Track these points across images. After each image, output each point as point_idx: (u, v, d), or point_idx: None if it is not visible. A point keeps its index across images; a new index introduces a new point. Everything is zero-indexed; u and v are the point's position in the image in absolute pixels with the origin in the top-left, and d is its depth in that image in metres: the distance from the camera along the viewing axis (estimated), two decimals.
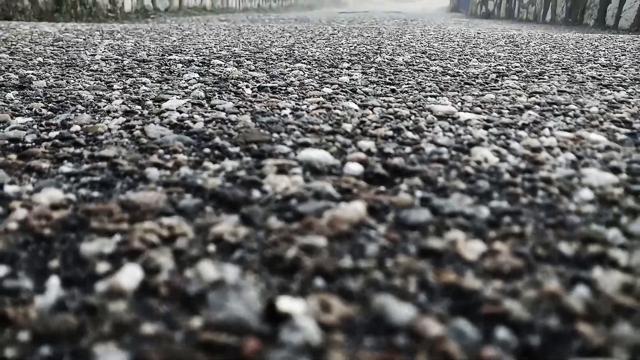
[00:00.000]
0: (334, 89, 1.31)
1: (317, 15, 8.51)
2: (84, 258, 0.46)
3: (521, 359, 0.34)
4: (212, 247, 0.48)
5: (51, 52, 2.00)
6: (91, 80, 1.41)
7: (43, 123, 0.93)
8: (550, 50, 2.45)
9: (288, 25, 4.52)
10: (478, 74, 1.61)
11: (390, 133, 0.88)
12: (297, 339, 0.35)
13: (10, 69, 1.55)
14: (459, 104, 1.15)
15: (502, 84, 1.43)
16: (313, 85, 1.37)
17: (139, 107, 1.07)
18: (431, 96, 1.24)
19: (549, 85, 1.41)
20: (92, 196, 0.60)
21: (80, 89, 1.26)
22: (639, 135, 0.87)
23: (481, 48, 2.49)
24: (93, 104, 1.10)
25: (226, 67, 1.69)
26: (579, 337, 0.36)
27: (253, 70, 1.63)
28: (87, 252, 0.47)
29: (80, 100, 1.13)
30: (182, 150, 0.77)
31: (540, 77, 1.58)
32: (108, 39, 2.64)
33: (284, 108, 1.07)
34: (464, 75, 1.58)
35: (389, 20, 6.76)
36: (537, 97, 1.23)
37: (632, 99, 1.23)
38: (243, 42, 2.65)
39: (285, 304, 0.39)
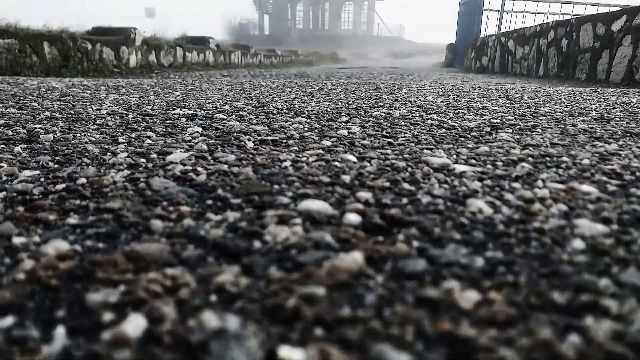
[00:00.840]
0: (333, 142, 1.35)
1: (317, 71, 8.75)
2: (89, 307, 0.47)
3: None
4: (214, 297, 0.49)
5: (58, 107, 2.05)
6: (97, 134, 1.45)
7: (50, 176, 0.96)
8: (543, 103, 2.52)
9: (288, 81, 4.65)
10: (473, 127, 1.66)
11: (388, 184, 0.90)
12: None
13: (19, 124, 1.59)
14: (454, 156, 1.18)
15: (497, 137, 1.47)
16: (313, 138, 1.41)
17: (144, 160, 1.10)
18: (427, 149, 1.27)
19: (542, 138, 1.45)
20: (98, 247, 0.61)
21: (86, 143, 1.30)
22: (629, 187, 0.90)
23: (476, 102, 2.56)
24: (99, 157, 1.13)
25: (229, 121, 1.74)
26: None
27: (255, 124, 1.67)
28: (92, 301, 0.48)
29: (86, 154, 1.16)
30: (185, 202, 0.79)
31: (534, 130, 1.62)
32: (113, 93, 2.72)
33: (285, 160, 1.10)
34: (459, 129, 1.63)
35: (386, 75, 6.94)
36: (530, 150, 1.26)
37: (622, 151, 1.26)
38: (245, 96, 2.72)
39: (286, 352, 0.40)
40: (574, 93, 3.31)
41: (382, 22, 43.79)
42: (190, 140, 1.36)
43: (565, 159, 1.15)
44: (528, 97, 2.90)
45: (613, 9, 7.84)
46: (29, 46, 5.28)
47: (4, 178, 0.94)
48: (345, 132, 1.52)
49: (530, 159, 1.15)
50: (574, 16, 8.91)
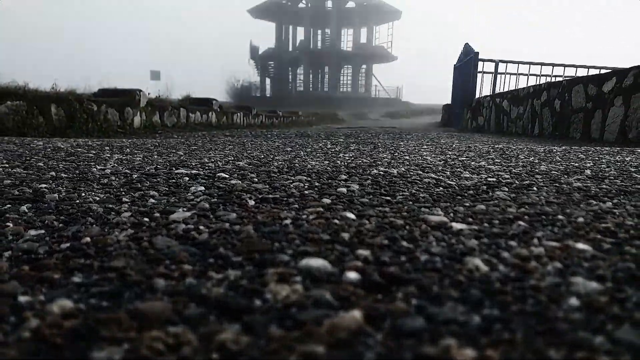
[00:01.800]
0: (332, 200, 1.38)
1: (317, 131, 8.91)
2: None
3: None
4: (215, 355, 0.50)
5: (64, 167, 2.10)
6: (101, 193, 1.48)
7: (55, 235, 0.98)
8: (539, 162, 2.56)
9: (289, 140, 4.74)
10: (470, 186, 1.69)
11: (386, 242, 0.92)
12: None
13: (25, 183, 1.62)
14: (452, 214, 1.21)
15: (493, 196, 1.50)
16: (313, 196, 1.43)
17: (147, 220, 1.12)
18: (425, 207, 1.30)
19: (538, 197, 1.48)
20: (102, 306, 0.62)
21: (90, 202, 1.33)
22: (623, 245, 0.91)
23: (472, 160, 2.61)
24: (103, 216, 1.16)
25: (231, 180, 1.77)
26: None
27: (256, 183, 1.70)
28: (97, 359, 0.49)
29: (91, 213, 1.19)
30: (187, 260, 0.81)
31: (529, 188, 1.65)
32: (118, 153, 2.77)
33: (285, 218, 1.12)
34: (456, 187, 1.66)
35: (384, 134, 7.08)
36: (526, 208, 1.28)
37: (617, 209, 1.28)
38: (247, 156, 2.78)
39: None
40: (568, 152, 3.37)
41: (379, 84, 44.98)
42: (192, 199, 1.39)
43: (560, 217, 1.17)
44: (524, 156, 2.95)
45: (603, 71, 8.09)
46: (36, 108, 5.42)
47: (10, 237, 0.96)
48: (344, 190, 1.55)
49: (526, 217, 1.17)
50: (566, 78, 9.17)
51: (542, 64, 10.89)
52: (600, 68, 10.38)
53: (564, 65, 10.91)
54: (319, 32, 44.84)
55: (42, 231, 1.00)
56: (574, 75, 10.45)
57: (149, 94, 7.45)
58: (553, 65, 10.90)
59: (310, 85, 43.94)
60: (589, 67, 10.83)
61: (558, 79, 9.60)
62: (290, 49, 44.36)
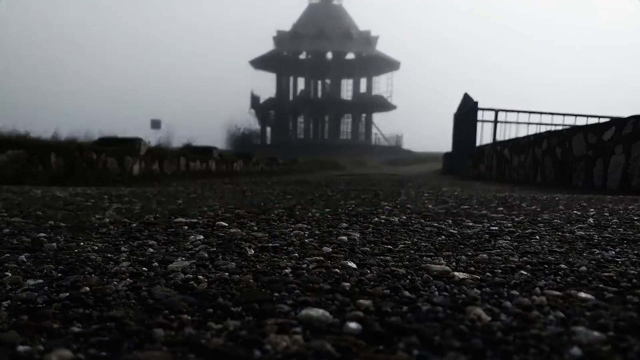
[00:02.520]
0: (333, 248, 1.37)
1: (317, 178, 8.96)
2: None
3: None
4: None
5: (62, 216, 2.10)
6: (100, 242, 1.47)
7: (54, 284, 0.97)
8: (541, 211, 2.56)
9: (289, 188, 4.76)
10: (472, 235, 1.68)
11: (388, 292, 0.91)
12: None
13: (23, 232, 1.62)
14: (454, 263, 1.20)
15: (495, 244, 1.49)
16: (313, 245, 1.43)
17: (146, 269, 1.11)
18: (427, 256, 1.29)
19: (540, 246, 1.47)
20: (101, 355, 0.61)
21: (89, 251, 1.32)
22: (626, 294, 0.90)
23: (474, 209, 2.61)
24: (102, 265, 1.15)
25: (230, 228, 1.77)
26: None
27: (256, 231, 1.70)
28: None
29: (90, 263, 1.18)
30: (186, 310, 0.80)
31: (532, 237, 1.65)
32: (116, 202, 2.78)
33: (285, 267, 1.12)
34: (458, 236, 1.65)
35: (385, 182, 7.11)
36: (528, 257, 1.28)
37: (619, 258, 1.28)
38: (246, 204, 2.78)
39: None
40: (571, 200, 3.37)
41: (379, 132, 45.54)
42: (191, 248, 1.38)
43: (563, 266, 1.16)
44: (526, 205, 2.96)
45: (602, 120, 8.21)
46: (37, 156, 5.47)
47: (9, 287, 0.95)
48: (345, 238, 1.55)
49: (528, 266, 1.16)
50: (565, 126, 9.28)
51: (541, 113, 11.06)
52: (599, 117, 10.54)
53: (563, 114, 11.08)
54: (319, 82, 45.81)
55: (41, 281, 1.00)
56: (573, 123, 10.59)
57: (149, 142, 7.54)
58: (552, 114, 11.08)
59: (311, 133, 44.49)
60: (587, 116, 10.99)
61: (558, 127, 9.73)
62: (291, 98, 45.18)
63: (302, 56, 44.75)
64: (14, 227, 1.72)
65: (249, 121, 43.77)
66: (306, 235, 1.63)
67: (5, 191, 3.36)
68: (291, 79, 45.74)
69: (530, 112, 11.04)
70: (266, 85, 45.53)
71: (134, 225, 1.84)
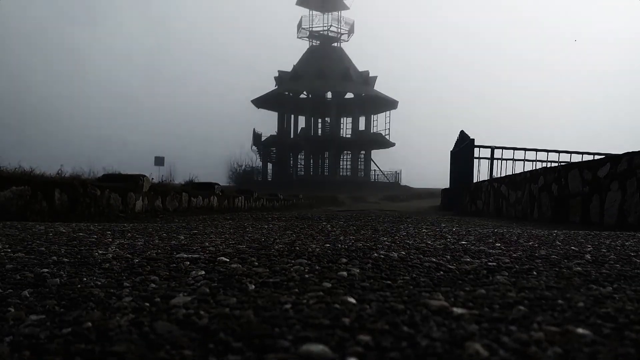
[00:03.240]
0: (333, 284, 1.38)
1: (317, 214, 8.96)
2: None
3: None
4: None
5: (65, 251, 2.11)
6: (103, 278, 1.48)
7: (56, 320, 0.98)
8: (538, 246, 2.57)
9: (290, 223, 4.77)
10: (470, 270, 1.69)
11: (387, 327, 0.92)
12: None
13: (26, 268, 1.63)
14: (452, 299, 1.21)
15: (493, 280, 1.50)
16: (313, 280, 1.44)
17: (148, 304, 1.12)
18: (425, 291, 1.30)
19: (538, 281, 1.48)
20: None
21: (92, 287, 1.33)
22: (624, 330, 0.91)
23: (472, 245, 2.62)
24: (104, 301, 1.16)
25: (231, 264, 1.78)
26: None
27: (256, 266, 1.71)
28: None
29: (92, 298, 1.19)
30: (188, 345, 0.81)
31: (529, 273, 1.66)
32: (119, 238, 2.79)
33: (286, 303, 1.13)
34: (457, 271, 1.66)
35: (384, 217, 7.11)
36: (526, 293, 1.29)
37: (617, 294, 1.29)
38: (248, 239, 2.79)
39: None
40: (568, 236, 3.38)
41: (378, 169, 45.77)
42: (193, 284, 1.39)
43: (560, 301, 1.17)
44: (523, 240, 2.97)
45: (597, 157, 8.28)
46: (41, 192, 5.50)
47: (11, 322, 0.96)
48: (345, 273, 1.56)
49: (526, 301, 1.17)
50: (561, 163, 9.35)
51: (537, 150, 11.16)
52: (594, 154, 10.63)
53: (558, 151, 11.17)
54: (319, 120, 46.35)
55: (43, 316, 1.01)
56: (568, 160, 10.67)
57: (152, 179, 7.59)
58: (547, 151, 11.17)
59: (311, 170, 44.73)
60: (582, 153, 11.09)
61: (553, 164, 9.79)
62: (292, 135, 45.62)
63: (303, 95, 45.44)
64: (17, 263, 1.73)
65: (251, 158, 44.08)
66: (306, 270, 1.64)
67: (9, 227, 3.37)
68: (292, 117, 46.32)
69: (525, 149, 11.13)
70: (268, 122, 46.10)
71: (137, 260, 1.85)
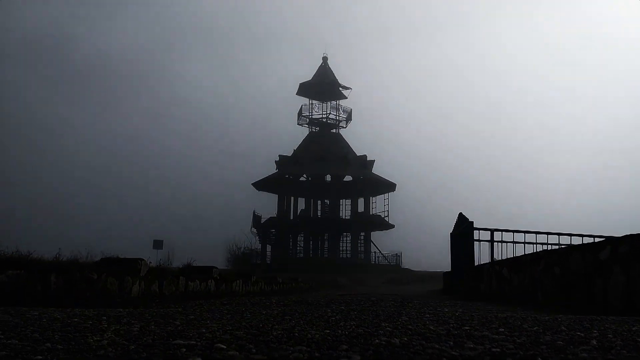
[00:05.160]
0: None
1: (317, 297, 8.80)
2: None
3: None
4: None
5: (60, 338, 2.07)
6: None
7: None
8: (543, 332, 2.52)
9: (289, 308, 4.68)
10: (473, 356, 1.66)
11: None
12: None
13: (20, 356, 1.60)
14: None
15: None
16: None
17: None
18: None
19: None
20: None
21: None
22: None
23: (475, 330, 2.57)
24: None
25: (228, 351, 1.75)
26: None
27: (254, 354, 1.68)
28: None
29: None
30: None
31: (534, 359, 1.62)
32: (115, 323, 2.74)
33: None
34: (460, 358, 1.63)
35: (385, 301, 6.98)
36: None
37: None
38: (245, 325, 2.74)
39: None
40: (573, 321, 3.32)
41: (378, 251, 45.44)
42: None
43: None
44: (527, 325, 2.91)
45: (597, 239, 8.27)
46: (36, 276, 5.44)
47: None
48: None
49: None
50: (561, 245, 9.33)
51: (537, 233, 11.13)
52: (594, 236, 10.60)
53: (559, 234, 11.15)
54: (319, 202, 46.69)
55: None
56: (569, 242, 10.63)
57: (150, 262, 7.52)
58: (548, 233, 11.15)
59: (310, 252, 44.38)
60: (583, 236, 11.05)
61: (554, 246, 9.75)
62: (292, 217, 45.72)
63: (303, 178, 46.12)
64: (10, 350, 1.69)
65: (250, 240, 43.87)
66: (305, 357, 1.61)
67: (2, 313, 3.31)
68: (292, 198, 46.69)
69: (526, 232, 11.10)
70: (268, 205, 46.40)
71: (132, 347, 1.82)
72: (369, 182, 44.63)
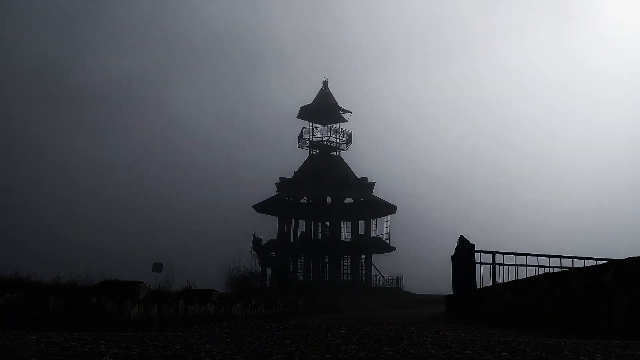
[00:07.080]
0: None
1: (317, 321, 8.71)
2: None
3: None
4: None
5: None
6: None
7: None
8: (546, 356, 2.49)
9: (289, 332, 4.63)
10: None
11: None
12: None
13: None
14: None
15: None
16: None
17: None
18: None
19: None
20: None
21: None
22: None
23: (478, 354, 2.54)
24: None
25: None
26: None
27: None
28: None
29: None
30: None
31: None
32: (113, 348, 2.71)
33: None
34: None
35: (387, 325, 6.91)
36: None
37: None
38: (245, 349, 2.71)
39: None
40: (577, 345, 3.28)
41: (379, 273, 45.14)
42: None
43: None
44: (530, 350, 2.88)
45: (600, 262, 8.22)
46: (35, 299, 5.40)
47: None
48: None
49: None
50: (563, 268, 9.27)
51: (538, 255, 11.07)
52: (596, 259, 10.53)
53: (560, 257, 11.08)
54: (319, 224, 46.55)
55: None
56: (570, 265, 10.56)
57: (149, 286, 7.48)
58: (550, 256, 11.08)
59: (311, 275, 44.08)
60: (585, 258, 10.98)
61: (556, 269, 9.69)
62: (292, 240, 45.55)
63: (304, 200, 46.08)
64: None
65: (250, 263, 43.62)
66: None
67: (0, 337, 3.28)
68: (292, 221, 46.58)
69: (527, 255, 11.04)
70: (268, 227, 46.26)
71: None
72: (369, 204, 44.60)
